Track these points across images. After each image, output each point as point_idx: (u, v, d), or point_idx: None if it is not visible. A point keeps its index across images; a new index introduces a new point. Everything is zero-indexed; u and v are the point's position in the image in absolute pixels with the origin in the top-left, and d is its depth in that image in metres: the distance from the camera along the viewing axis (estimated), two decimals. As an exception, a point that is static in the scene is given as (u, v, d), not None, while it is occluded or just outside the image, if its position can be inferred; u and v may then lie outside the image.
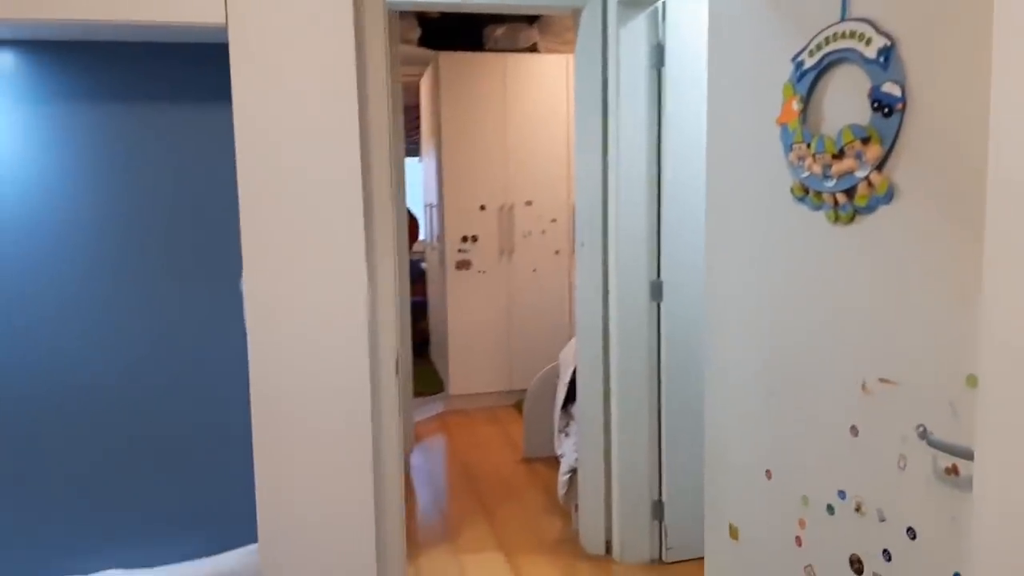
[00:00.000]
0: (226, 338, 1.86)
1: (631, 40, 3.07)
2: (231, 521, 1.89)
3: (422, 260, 7.02)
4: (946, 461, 1.36)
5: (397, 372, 1.95)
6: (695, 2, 3.01)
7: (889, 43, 1.44)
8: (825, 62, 1.60)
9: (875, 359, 1.52)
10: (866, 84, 1.50)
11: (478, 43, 5.57)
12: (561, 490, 3.67)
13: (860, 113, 1.51)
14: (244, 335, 1.67)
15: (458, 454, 4.68)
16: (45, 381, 1.80)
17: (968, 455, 1.28)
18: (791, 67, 1.69)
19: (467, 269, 5.44)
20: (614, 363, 3.21)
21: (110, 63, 1.78)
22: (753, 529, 1.95)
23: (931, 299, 1.39)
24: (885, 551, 1.52)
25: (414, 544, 3.50)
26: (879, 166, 1.47)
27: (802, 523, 1.75)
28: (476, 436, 5.01)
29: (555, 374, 4.38)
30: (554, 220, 5.55)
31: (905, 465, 1.45)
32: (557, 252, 5.56)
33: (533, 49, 5.58)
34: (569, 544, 3.45)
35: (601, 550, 3.33)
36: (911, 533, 1.45)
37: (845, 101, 1.57)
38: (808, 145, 1.64)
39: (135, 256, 1.82)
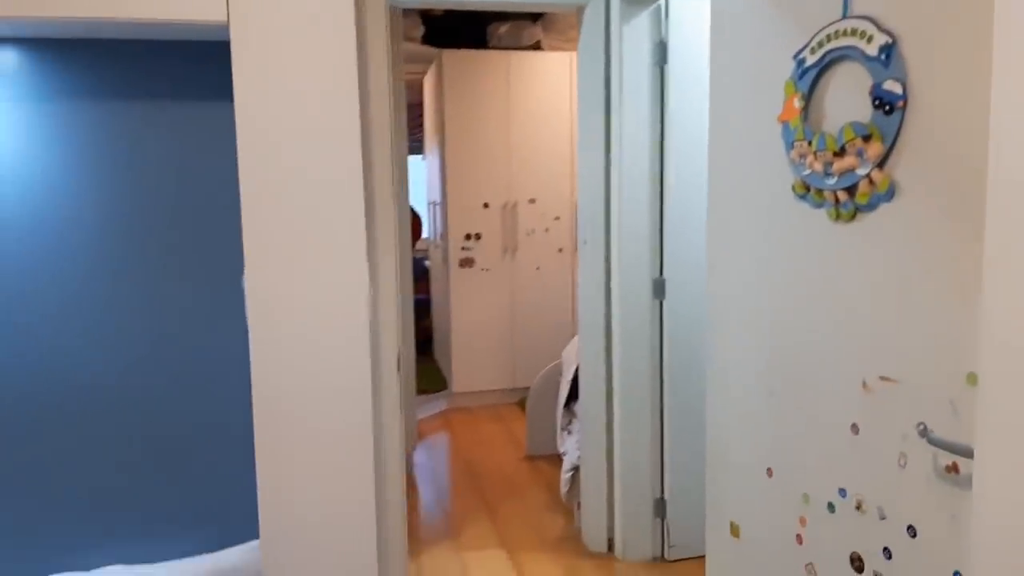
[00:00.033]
0: (227, 336, 1.86)
1: (634, 37, 3.07)
2: (232, 518, 1.90)
3: (426, 258, 7.02)
4: (946, 459, 1.36)
5: (399, 369, 1.95)
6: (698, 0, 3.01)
7: (890, 41, 1.43)
8: (827, 59, 1.60)
9: (876, 357, 1.52)
10: (867, 82, 1.49)
11: (482, 41, 5.56)
12: (564, 488, 3.68)
13: (861, 111, 1.51)
14: (246, 333, 1.68)
15: (461, 452, 4.69)
16: (48, 378, 1.80)
17: (968, 453, 1.28)
18: (793, 64, 1.69)
19: (470, 267, 5.45)
20: (616, 361, 3.21)
21: (112, 61, 1.79)
22: (754, 527, 1.95)
23: (932, 297, 1.39)
24: (885, 549, 1.52)
25: (417, 541, 3.50)
26: (880, 164, 1.47)
27: (803, 521, 1.75)
28: (479, 434, 5.01)
29: (558, 372, 4.38)
30: (557, 218, 5.54)
31: (905, 463, 1.45)
32: (560, 250, 5.56)
33: (537, 47, 5.57)
34: (571, 542, 3.45)
35: (603, 548, 3.34)
36: (911, 531, 1.45)
37: (846, 99, 1.56)
38: (809, 143, 1.64)
39: (136, 254, 1.82)
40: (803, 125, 1.66)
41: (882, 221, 1.49)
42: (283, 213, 1.66)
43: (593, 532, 3.35)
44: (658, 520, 3.26)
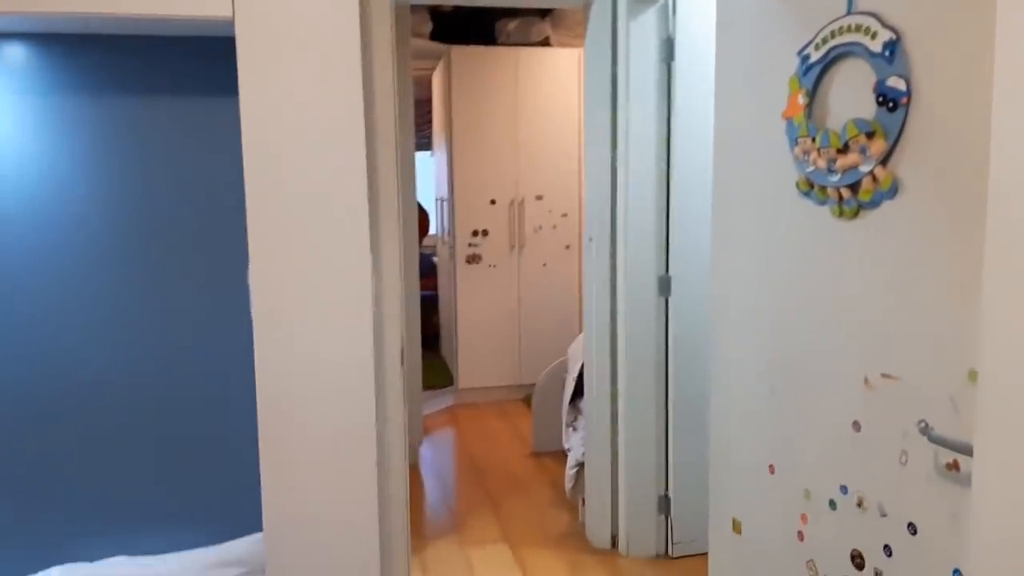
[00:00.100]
0: (232, 330, 1.87)
1: (641, 34, 3.06)
2: (236, 510, 1.91)
3: (434, 254, 7.03)
4: (947, 457, 1.36)
5: (402, 364, 1.96)
6: (705, -4, 3.00)
7: (894, 37, 1.43)
8: (831, 56, 1.59)
9: (877, 354, 1.52)
10: (871, 78, 1.49)
11: (490, 37, 5.56)
12: (568, 484, 3.68)
13: (865, 107, 1.51)
14: (250, 327, 1.69)
15: (467, 447, 4.70)
16: (54, 373, 1.82)
17: (968, 451, 1.27)
18: (797, 61, 1.69)
19: (477, 263, 5.45)
20: (622, 358, 3.21)
21: (119, 56, 1.80)
22: (756, 524, 1.95)
23: (934, 294, 1.39)
24: (886, 546, 1.52)
25: (421, 535, 3.51)
26: (883, 161, 1.47)
27: (804, 518, 1.75)
28: (485, 429, 5.02)
29: (563, 369, 4.38)
30: (565, 215, 5.54)
31: (906, 460, 1.45)
32: (567, 247, 5.56)
33: (545, 43, 5.57)
34: (575, 538, 3.45)
35: (607, 544, 3.34)
36: (912, 528, 1.45)
37: (850, 95, 1.56)
38: (813, 139, 1.64)
39: (141, 248, 1.84)
40: (807, 122, 1.66)
41: (885, 218, 1.49)
42: (287, 209, 1.67)
43: (597, 528, 3.35)
44: (662, 517, 3.26)
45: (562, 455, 4.21)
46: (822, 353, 1.67)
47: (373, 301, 1.75)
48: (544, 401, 4.47)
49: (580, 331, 4.53)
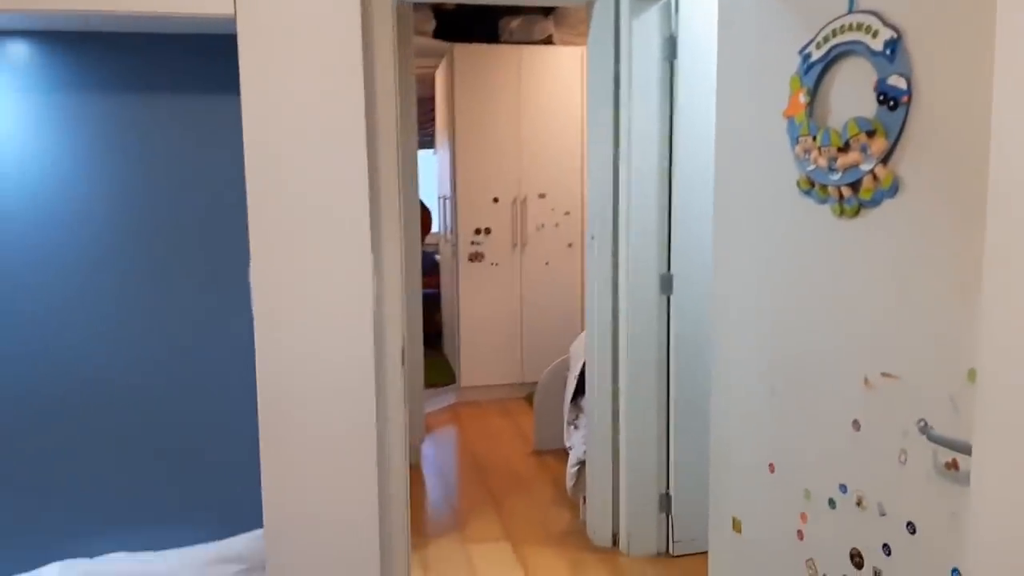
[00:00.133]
0: (233, 327, 1.88)
1: (644, 32, 3.06)
2: (237, 507, 1.91)
3: (436, 252, 7.03)
4: (946, 456, 1.36)
5: (403, 363, 1.96)
6: (708, -6, 3.00)
7: (896, 35, 1.43)
8: (832, 54, 1.59)
9: (878, 353, 1.52)
10: (872, 77, 1.49)
11: (493, 35, 5.56)
12: (569, 482, 3.69)
13: (866, 106, 1.51)
14: (251, 325, 1.69)
15: (468, 445, 4.70)
16: (55, 370, 1.82)
17: (967, 450, 1.27)
18: (798, 60, 1.69)
19: (480, 261, 5.45)
20: (623, 356, 3.21)
21: (121, 54, 1.80)
22: (756, 522, 1.95)
23: (934, 293, 1.38)
24: (885, 545, 1.52)
25: (423, 533, 3.52)
26: (884, 159, 1.46)
27: (804, 517, 1.75)
28: (487, 428, 5.03)
29: (565, 367, 4.38)
30: (567, 213, 5.54)
31: (906, 460, 1.45)
32: (570, 245, 5.56)
33: (548, 41, 5.56)
34: (576, 536, 3.46)
35: (608, 542, 3.34)
36: (911, 528, 1.45)
37: (851, 94, 1.56)
38: (814, 138, 1.64)
39: (143, 246, 1.84)
40: (808, 120, 1.66)
41: (885, 217, 1.48)
42: (288, 207, 1.67)
43: (598, 526, 3.35)
44: (663, 515, 3.26)
45: (564, 453, 4.21)
46: (822, 352, 1.67)
47: (374, 300, 1.75)
48: (546, 399, 4.47)
49: (582, 329, 4.53)
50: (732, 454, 2.04)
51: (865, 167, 1.50)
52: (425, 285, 5.27)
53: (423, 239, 5.20)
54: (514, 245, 5.49)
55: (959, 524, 1.34)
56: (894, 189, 1.45)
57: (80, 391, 1.84)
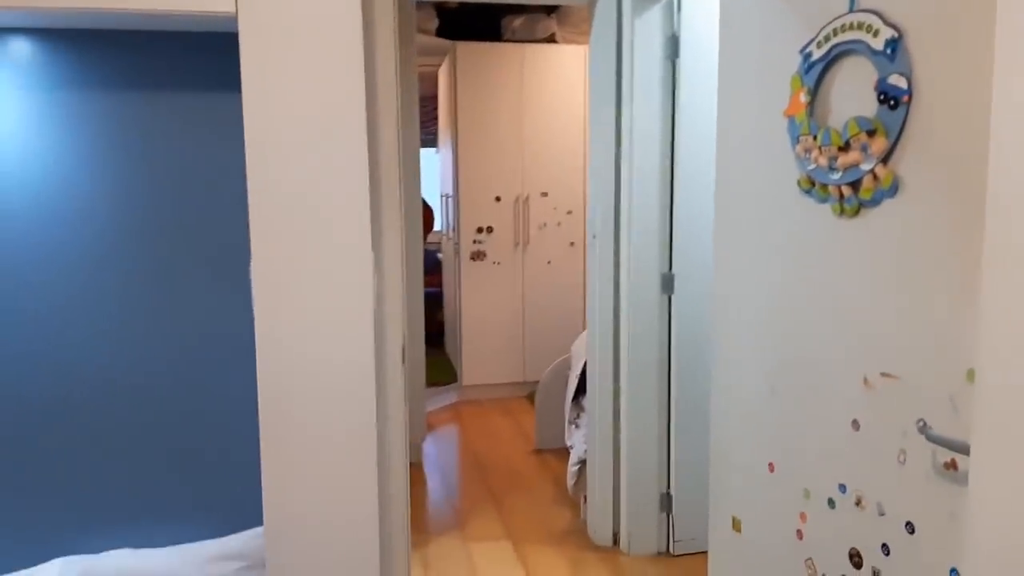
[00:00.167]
0: (234, 324, 1.88)
1: (646, 31, 3.06)
2: (238, 505, 1.92)
3: (439, 251, 7.04)
4: (945, 456, 1.36)
5: (404, 361, 1.97)
6: (710, -7, 3.00)
7: (896, 35, 1.43)
8: (833, 54, 1.59)
9: (877, 353, 1.52)
10: (873, 76, 1.49)
11: (496, 33, 5.56)
12: (570, 481, 3.69)
13: (866, 105, 1.51)
14: (252, 323, 1.69)
15: (470, 444, 4.71)
16: (58, 367, 1.83)
17: (965, 450, 1.27)
18: (799, 59, 1.69)
19: (482, 260, 5.46)
20: (624, 355, 3.21)
21: (123, 51, 1.80)
22: (755, 522, 1.95)
23: (933, 293, 1.38)
24: (884, 545, 1.52)
25: (424, 531, 3.52)
26: (884, 159, 1.46)
27: (803, 516, 1.75)
28: (488, 426, 5.03)
29: (567, 366, 4.39)
30: (570, 212, 5.54)
31: (905, 459, 1.45)
32: (572, 244, 5.56)
33: (551, 40, 5.56)
34: (577, 535, 3.46)
35: (609, 541, 3.34)
36: (910, 527, 1.45)
37: (852, 93, 1.56)
38: (815, 137, 1.64)
39: (146, 243, 1.84)
40: (809, 120, 1.66)
41: (885, 217, 1.48)
42: (289, 205, 1.67)
43: (599, 526, 3.36)
44: (664, 515, 3.26)
45: (565, 453, 4.22)
46: (822, 352, 1.67)
47: (374, 298, 1.76)
48: (547, 398, 4.48)
49: (584, 328, 4.53)
50: (732, 454, 2.04)
51: (865, 166, 1.50)
52: (428, 284, 5.28)
53: (425, 237, 5.20)
54: (516, 244, 5.49)
55: (958, 524, 1.34)
56: (894, 189, 1.45)
57: (83, 389, 1.84)
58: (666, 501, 3.25)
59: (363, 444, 1.76)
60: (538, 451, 4.54)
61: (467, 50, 5.34)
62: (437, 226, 7.21)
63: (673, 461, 3.21)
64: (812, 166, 1.65)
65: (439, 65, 6.01)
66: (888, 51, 1.44)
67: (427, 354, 4.58)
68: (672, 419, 3.20)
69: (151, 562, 1.81)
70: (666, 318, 3.18)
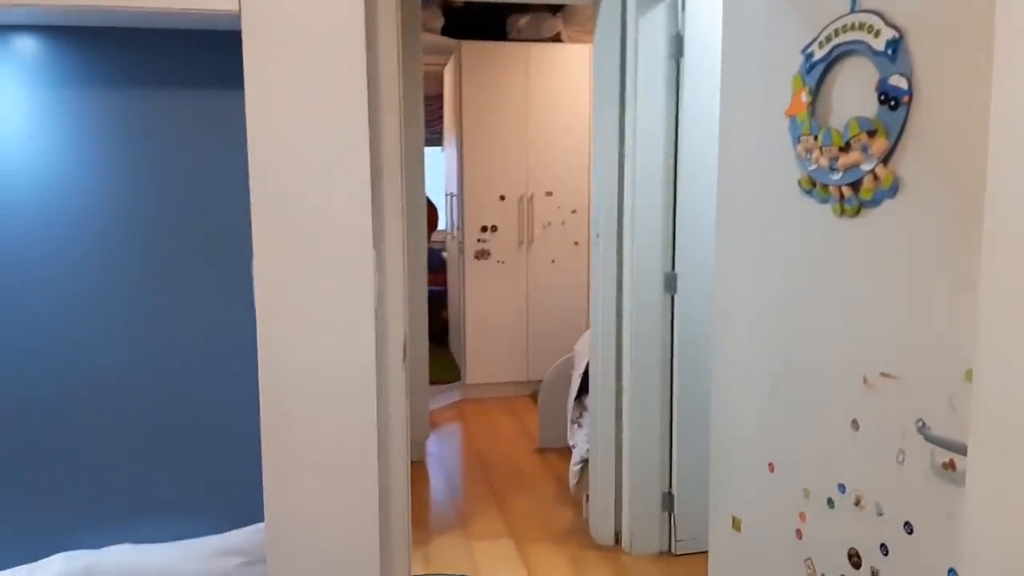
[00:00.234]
0: (236, 321, 1.89)
1: (650, 30, 3.06)
2: (239, 501, 1.92)
3: (443, 249, 7.04)
4: (943, 456, 1.36)
5: (405, 358, 1.97)
6: (715, -7, 2.99)
7: (897, 35, 1.42)
8: (834, 54, 1.59)
9: (877, 353, 1.52)
10: (874, 76, 1.49)
11: (501, 32, 5.57)
12: (572, 480, 3.69)
13: (867, 106, 1.51)
14: (254, 320, 1.70)
15: (473, 442, 4.71)
16: (61, 364, 1.84)
17: (964, 450, 1.27)
18: (801, 59, 1.69)
19: (486, 259, 5.46)
20: (627, 354, 3.22)
21: (128, 49, 1.81)
22: (755, 522, 1.95)
23: (933, 293, 1.38)
24: (883, 545, 1.52)
25: (426, 529, 3.53)
26: (885, 159, 1.46)
27: (803, 516, 1.75)
28: (491, 425, 5.03)
29: (570, 365, 4.39)
30: (574, 211, 5.54)
31: (904, 460, 1.45)
32: (576, 243, 5.56)
33: (556, 39, 5.57)
34: (579, 534, 3.46)
35: (611, 541, 3.35)
36: (908, 528, 1.45)
37: (853, 93, 1.56)
38: (816, 137, 1.63)
39: (151, 241, 1.85)
40: (810, 120, 1.66)
41: (885, 217, 1.48)
42: (290, 203, 1.67)
43: (601, 525, 3.36)
44: (666, 514, 3.26)
45: (568, 452, 4.22)
46: (822, 351, 1.67)
47: (375, 297, 1.76)
48: (551, 397, 4.48)
49: (588, 328, 4.54)
50: (732, 453, 2.04)
51: (866, 167, 1.50)
52: (432, 282, 5.29)
53: (429, 236, 5.21)
54: (520, 243, 5.50)
55: (956, 524, 1.34)
56: (894, 189, 1.45)
57: (85, 385, 1.85)
58: (668, 500, 3.25)
59: (364, 441, 1.77)
60: (541, 450, 4.55)
61: (472, 49, 5.34)
62: (441, 224, 7.22)
63: (675, 460, 3.21)
64: (813, 166, 1.65)
65: (444, 64, 6.02)
66: (889, 52, 1.44)
67: (431, 352, 4.59)
68: (674, 418, 3.20)
69: (152, 557, 1.82)
70: (669, 318, 3.18)
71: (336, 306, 1.72)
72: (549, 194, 5.50)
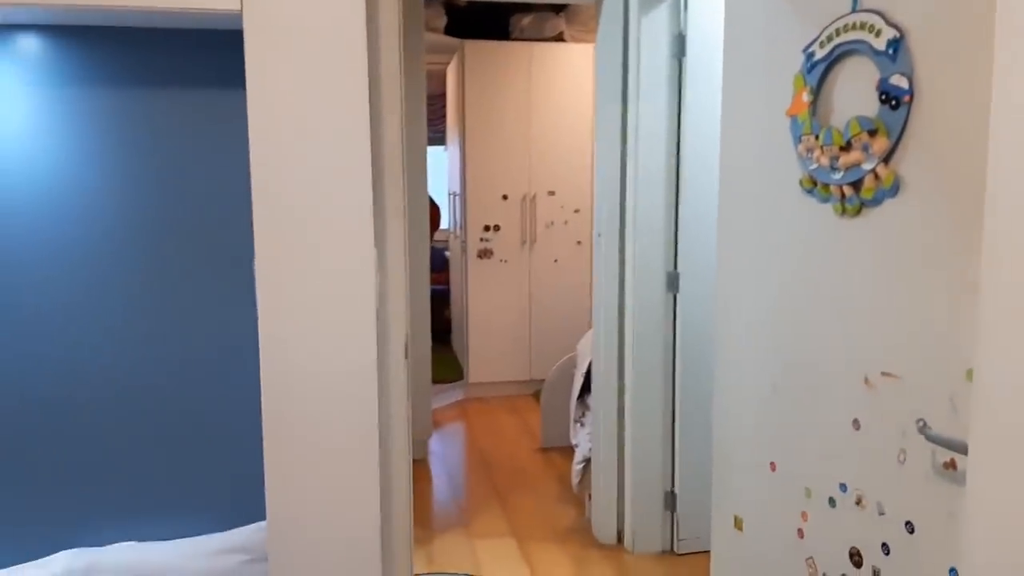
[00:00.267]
0: (239, 320, 1.89)
1: (652, 29, 3.06)
2: (241, 499, 1.93)
3: (446, 248, 7.05)
4: (944, 456, 1.36)
5: (406, 357, 1.98)
6: (717, -8, 2.99)
7: (898, 35, 1.42)
8: (835, 53, 1.59)
9: (878, 352, 1.52)
10: (875, 76, 1.49)
11: (504, 32, 5.57)
12: (575, 479, 3.69)
13: (868, 105, 1.51)
14: (256, 320, 1.71)
15: (475, 441, 4.72)
16: (64, 364, 1.84)
17: (964, 450, 1.27)
18: (802, 58, 1.69)
19: (488, 258, 5.46)
20: (629, 353, 3.22)
21: (131, 48, 1.82)
22: (757, 521, 1.95)
23: (934, 293, 1.38)
24: (884, 544, 1.52)
25: (429, 527, 3.54)
26: (886, 159, 1.46)
27: (804, 515, 1.75)
28: (494, 424, 5.04)
29: (573, 364, 4.39)
30: (577, 210, 5.54)
31: (905, 459, 1.45)
32: (579, 243, 5.56)
33: (559, 38, 5.56)
34: (581, 533, 3.46)
35: (613, 540, 3.35)
36: (909, 527, 1.45)
37: (854, 93, 1.56)
38: (817, 137, 1.64)
39: (153, 240, 1.86)
40: (811, 119, 1.66)
41: (886, 216, 1.48)
42: (292, 202, 1.68)
43: (603, 524, 3.36)
44: (668, 513, 3.26)
45: (570, 451, 4.22)
46: (823, 351, 1.67)
47: (377, 296, 1.77)
48: (553, 396, 4.48)
49: (590, 327, 4.54)
50: (734, 453, 2.04)
51: (867, 166, 1.50)
52: (435, 281, 5.29)
53: (432, 235, 5.21)
54: (523, 242, 5.50)
55: (957, 524, 1.34)
56: (895, 188, 1.45)
57: (89, 384, 1.86)
58: (670, 499, 3.25)
59: (365, 439, 1.77)
60: (543, 449, 4.55)
61: (475, 48, 5.35)
62: (444, 224, 7.23)
63: (677, 460, 3.21)
64: (814, 166, 1.65)
65: (447, 63, 6.02)
66: (890, 51, 1.44)
67: (434, 351, 4.59)
68: (677, 417, 3.20)
69: (155, 555, 1.83)
70: (671, 317, 3.18)
71: (338, 305, 1.72)
72: (552, 193, 5.50)
